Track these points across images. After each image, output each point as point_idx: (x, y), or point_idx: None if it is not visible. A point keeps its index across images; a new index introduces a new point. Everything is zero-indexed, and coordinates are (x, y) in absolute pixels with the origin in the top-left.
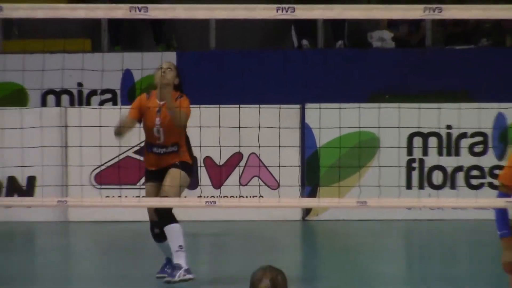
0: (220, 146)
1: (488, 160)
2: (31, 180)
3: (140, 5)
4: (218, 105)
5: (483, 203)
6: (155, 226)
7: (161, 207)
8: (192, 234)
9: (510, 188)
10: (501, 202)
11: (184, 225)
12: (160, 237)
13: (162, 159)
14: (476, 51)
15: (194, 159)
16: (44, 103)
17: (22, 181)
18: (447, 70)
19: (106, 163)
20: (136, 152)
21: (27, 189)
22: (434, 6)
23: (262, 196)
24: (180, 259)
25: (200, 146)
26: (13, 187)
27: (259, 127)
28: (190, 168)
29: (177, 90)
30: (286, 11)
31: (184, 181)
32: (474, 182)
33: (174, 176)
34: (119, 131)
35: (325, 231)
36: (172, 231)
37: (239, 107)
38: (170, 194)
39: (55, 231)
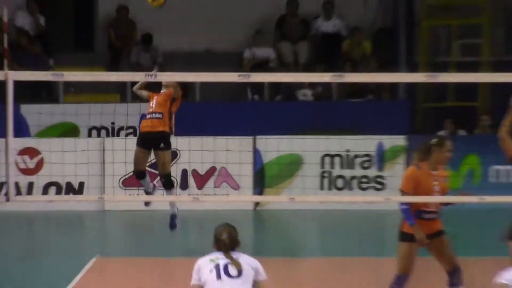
0: (202, 163)
1: (372, 172)
2: (81, 184)
3: (151, 73)
4: (201, 136)
5: (369, 199)
6: (141, 173)
7: (164, 176)
8: (183, 218)
9: (407, 194)
10: (381, 198)
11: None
12: (142, 177)
13: (152, 122)
14: (364, 102)
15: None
16: (89, 135)
17: (75, 185)
18: (346, 114)
19: (129, 173)
20: (149, 167)
21: (78, 190)
22: (338, 74)
23: (228, 194)
24: (174, 208)
25: (189, 162)
26: (69, 189)
27: (227, 150)
28: (169, 139)
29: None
30: (244, 77)
31: (170, 157)
32: (363, 186)
33: (165, 159)
34: (138, 88)
35: (267, 217)
36: (173, 191)
37: (214, 138)
38: (167, 170)
39: (97, 217)
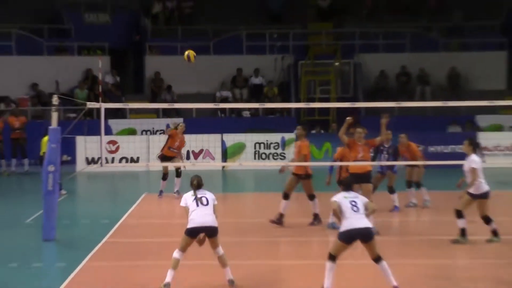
0: (196, 147)
1: (279, 151)
2: (138, 158)
3: (170, 103)
4: (196, 134)
5: (277, 164)
6: (166, 175)
7: (178, 171)
8: (187, 174)
9: (337, 160)
10: (283, 163)
11: (184, 172)
12: (166, 178)
13: (174, 153)
14: (275, 117)
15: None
16: (142, 134)
17: (135, 158)
18: (266, 123)
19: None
20: (169, 150)
21: (136, 160)
22: (262, 104)
23: (209, 162)
24: (178, 186)
25: (190, 147)
26: (132, 160)
27: (208, 140)
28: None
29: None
30: (216, 105)
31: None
32: (275, 157)
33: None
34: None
35: (228, 173)
36: (179, 179)
37: (202, 135)
38: (180, 169)
39: (145, 174)
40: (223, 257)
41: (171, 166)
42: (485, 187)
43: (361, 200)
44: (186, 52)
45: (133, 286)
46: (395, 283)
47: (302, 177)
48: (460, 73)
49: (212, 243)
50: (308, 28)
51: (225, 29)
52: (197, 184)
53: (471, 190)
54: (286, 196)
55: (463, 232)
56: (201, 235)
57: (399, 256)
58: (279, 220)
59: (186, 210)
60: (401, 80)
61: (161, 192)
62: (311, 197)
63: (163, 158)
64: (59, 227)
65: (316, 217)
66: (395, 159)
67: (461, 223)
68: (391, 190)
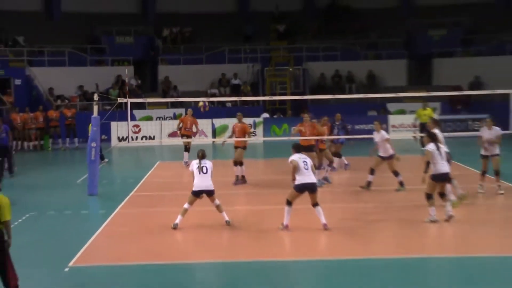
0: (196, 128)
1: (252, 130)
2: (154, 136)
3: (176, 98)
4: (199, 118)
5: (252, 139)
6: (188, 147)
7: (188, 148)
8: (193, 148)
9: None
10: (257, 138)
11: (193, 147)
12: (187, 150)
13: (187, 132)
14: (249, 107)
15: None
16: (156, 120)
17: (152, 136)
18: (241, 110)
19: (172, 132)
20: (179, 130)
21: (153, 138)
22: (239, 97)
23: (203, 138)
24: (187, 158)
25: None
26: (150, 138)
27: (202, 124)
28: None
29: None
30: (208, 98)
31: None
32: (252, 136)
33: (191, 143)
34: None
35: (217, 147)
36: (188, 154)
37: (198, 119)
38: (189, 145)
39: (159, 148)
40: (220, 206)
41: (183, 142)
42: (391, 151)
43: (309, 160)
44: (201, 103)
45: (153, 225)
46: (324, 222)
47: (241, 147)
48: (375, 74)
49: (211, 199)
50: (270, 45)
51: (213, 46)
52: (201, 155)
53: (381, 154)
54: (241, 164)
55: (368, 184)
56: (202, 194)
57: (331, 202)
58: (243, 180)
59: (192, 173)
60: (335, 80)
61: (186, 162)
62: (241, 163)
63: (182, 136)
64: (100, 185)
65: (243, 178)
66: (345, 133)
67: (370, 177)
68: (336, 155)
